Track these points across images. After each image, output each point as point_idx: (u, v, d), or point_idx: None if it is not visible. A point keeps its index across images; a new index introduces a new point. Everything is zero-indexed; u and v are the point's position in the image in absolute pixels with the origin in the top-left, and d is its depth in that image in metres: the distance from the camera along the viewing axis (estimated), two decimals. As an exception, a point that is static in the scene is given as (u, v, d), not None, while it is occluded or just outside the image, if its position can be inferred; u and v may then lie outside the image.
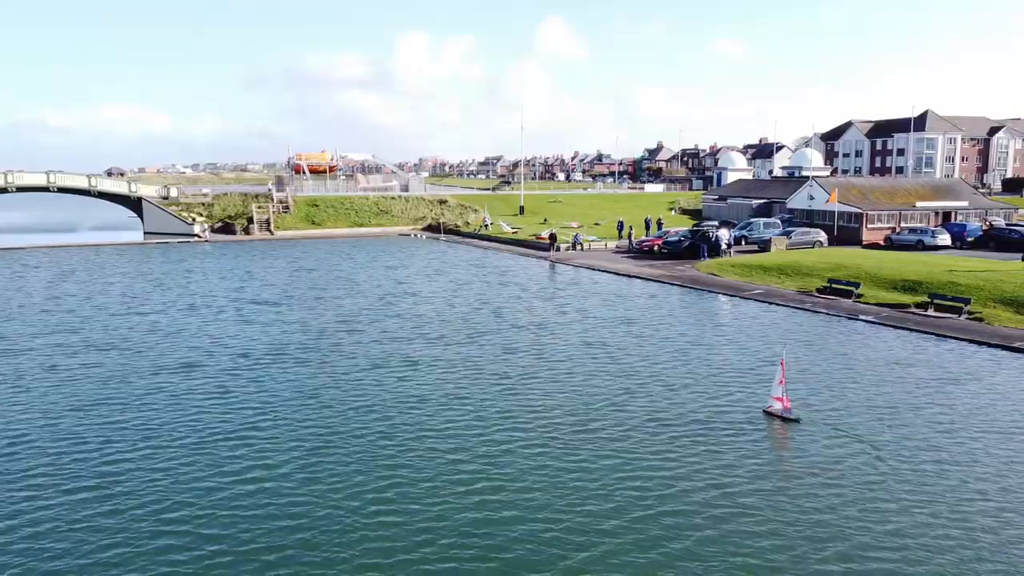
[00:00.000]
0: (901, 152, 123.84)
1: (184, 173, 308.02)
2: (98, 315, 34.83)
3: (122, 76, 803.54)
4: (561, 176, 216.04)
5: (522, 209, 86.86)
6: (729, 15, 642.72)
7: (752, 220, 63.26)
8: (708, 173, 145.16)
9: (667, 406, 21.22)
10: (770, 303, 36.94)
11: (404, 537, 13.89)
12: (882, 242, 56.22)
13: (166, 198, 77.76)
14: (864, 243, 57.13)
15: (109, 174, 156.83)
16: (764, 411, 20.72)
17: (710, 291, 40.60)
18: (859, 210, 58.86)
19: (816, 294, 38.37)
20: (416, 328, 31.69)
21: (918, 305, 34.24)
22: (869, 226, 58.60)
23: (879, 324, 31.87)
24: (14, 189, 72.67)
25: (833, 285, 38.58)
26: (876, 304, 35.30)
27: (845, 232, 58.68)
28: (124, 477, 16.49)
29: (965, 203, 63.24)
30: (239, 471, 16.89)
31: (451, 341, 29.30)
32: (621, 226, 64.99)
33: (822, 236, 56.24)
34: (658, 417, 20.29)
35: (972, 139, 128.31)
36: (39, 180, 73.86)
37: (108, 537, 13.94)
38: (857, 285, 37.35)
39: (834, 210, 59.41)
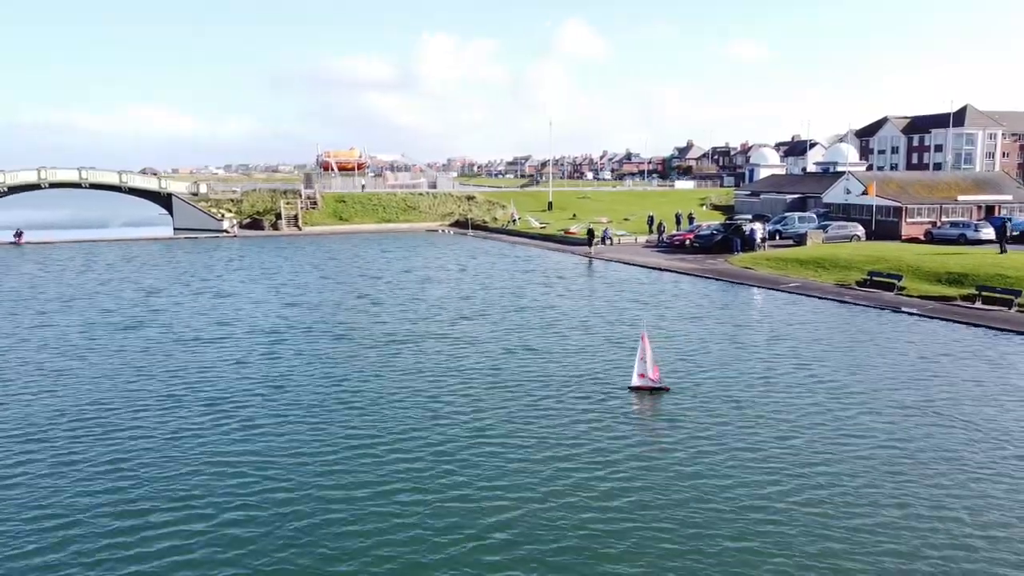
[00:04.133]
0: (939, 148, 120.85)
1: (216, 174, 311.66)
2: (129, 303, 34.75)
3: (152, 79, 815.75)
4: (589, 175, 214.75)
5: (550, 205, 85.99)
6: (752, 14, 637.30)
7: (787, 214, 61.82)
8: (739, 170, 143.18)
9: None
10: (807, 295, 35.68)
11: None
12: (922, 237, 54.51)
13: (196, 194, 78.12)
14: (903, 237, 55.38)
15: (143, 173, 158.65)
16: (629, 388, 20.63)
17: (743, 284, 39.42)
18: (898, 204, 57.09)
19: (856, 287, 37.03)
20: (437, 312, 31.22)
21: (964, 298, 32.83)
22: (908, 220, 56.79)
23: (924, 316, 30.55)
24: (47, 185, 73.46)
25: (874, 278, 37.19)
26: (919, 297, 33.91)
27: (883, 227, 56.92)
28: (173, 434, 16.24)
29: (1009, 196, 61.09)
30: (262, 426, 17.34)
31: (462, 321, 29.25)
32: (651, 221, 63.83)
33: (860, 230, 54.62)
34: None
35: (1014, 134, 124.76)
36: (71, 176, 74.50)
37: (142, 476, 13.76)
38: (899, 278, 35.96)
39: (872, 204, 57.67)
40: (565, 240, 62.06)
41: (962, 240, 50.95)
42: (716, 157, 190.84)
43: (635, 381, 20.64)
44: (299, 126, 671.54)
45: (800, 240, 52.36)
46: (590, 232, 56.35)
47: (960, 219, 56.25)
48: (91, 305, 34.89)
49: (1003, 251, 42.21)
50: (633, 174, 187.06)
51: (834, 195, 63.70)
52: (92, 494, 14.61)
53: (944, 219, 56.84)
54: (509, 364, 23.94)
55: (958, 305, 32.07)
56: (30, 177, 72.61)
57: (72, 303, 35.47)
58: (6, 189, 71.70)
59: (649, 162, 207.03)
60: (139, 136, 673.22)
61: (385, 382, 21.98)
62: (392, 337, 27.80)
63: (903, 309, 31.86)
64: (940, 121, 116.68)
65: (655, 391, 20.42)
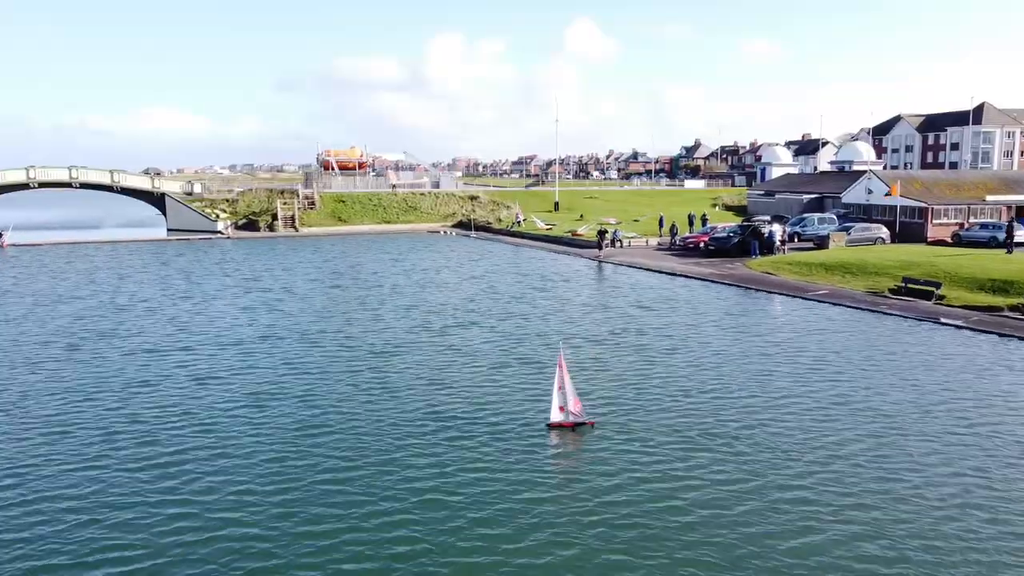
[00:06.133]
0: (955, 147, 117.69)
1: (220, 174, 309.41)
2: (101, 310, 32.16)
3: (162, 80, 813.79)
4: (596, 175, 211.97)
5: (557, 205, 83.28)
6: (759, 13, 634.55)
7: (805, 215, 59.02)
8: (749, 169, 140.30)
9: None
10: (837, 304, 32.85)
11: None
12: (949, 239, 51.64)
13: (190, 194, 75.61)
14: (929, 240, 52.55)
15: (146, 173, 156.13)
16: (547, 425, 17.42)
17: (767, 291, 36.60)
18: (924, 204, 54.21)
19: (889, 295, 34.19)
20: (427, 322, 28.53)
21: (1012, 308, 29.97)
22: (934, 221, 53.97)
23: (969, 329, 27.72)
24: (36, 185, 70.95)
25: (909, 285, 34.35)
26: (962, 307, 31.05)
27: (907, 228, 54.06)
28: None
29: (1040, 196, 58.16)
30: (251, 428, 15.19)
31: (451, 331, 26.22)
32: (662, 222, 60.98)
33: (884, 232, 51.79)
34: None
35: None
36: (61, 176, 71.95)
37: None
38: (938, 285, 33.08)
39: (895, 205, 54.78)
40: (572, 242, 59.31)
41: (993, 243, 48.02)
42: (725, 156, 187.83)
43: (555, 416, 17.36)
44: (307, 127, 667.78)
45: (821, 243, 49.59)
46: (600, 233, 53.37)
47: (990, 220, 53.39)
48: (59, 313, 32.27)
49: (1009, 251, 41.84)
50: (640, 174, 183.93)
51: (854, 195, 60.84)
52: (27, 525, 12.90)
53: (972, 220, 54.02)
54: (503, 378, 21.52)
55: (1006, 316, 29.24)
56: (18, 177, 70.15)
57: (38, 310, 32.88)
58: (-7, 189, 69.32)
59: (656, 161, 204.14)
60: (151, 138, 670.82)
61: (359, 403, 19.34)
62: (378, 349, 25.27)
63: (944, 320, 29.04)
64: (956, 119, 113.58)
65: (577, 426, 17.34)
